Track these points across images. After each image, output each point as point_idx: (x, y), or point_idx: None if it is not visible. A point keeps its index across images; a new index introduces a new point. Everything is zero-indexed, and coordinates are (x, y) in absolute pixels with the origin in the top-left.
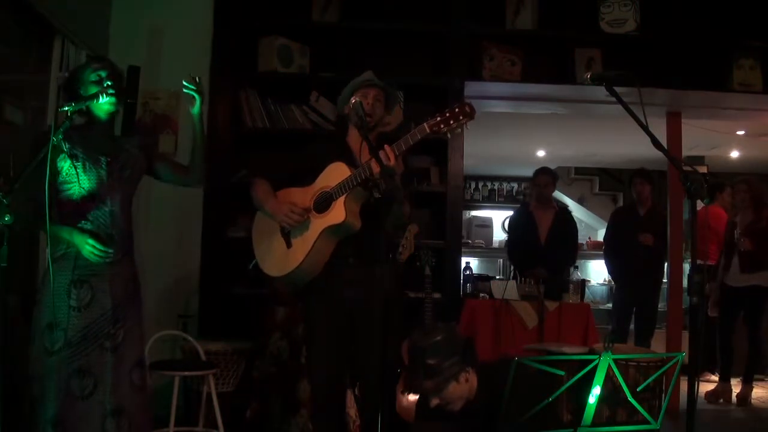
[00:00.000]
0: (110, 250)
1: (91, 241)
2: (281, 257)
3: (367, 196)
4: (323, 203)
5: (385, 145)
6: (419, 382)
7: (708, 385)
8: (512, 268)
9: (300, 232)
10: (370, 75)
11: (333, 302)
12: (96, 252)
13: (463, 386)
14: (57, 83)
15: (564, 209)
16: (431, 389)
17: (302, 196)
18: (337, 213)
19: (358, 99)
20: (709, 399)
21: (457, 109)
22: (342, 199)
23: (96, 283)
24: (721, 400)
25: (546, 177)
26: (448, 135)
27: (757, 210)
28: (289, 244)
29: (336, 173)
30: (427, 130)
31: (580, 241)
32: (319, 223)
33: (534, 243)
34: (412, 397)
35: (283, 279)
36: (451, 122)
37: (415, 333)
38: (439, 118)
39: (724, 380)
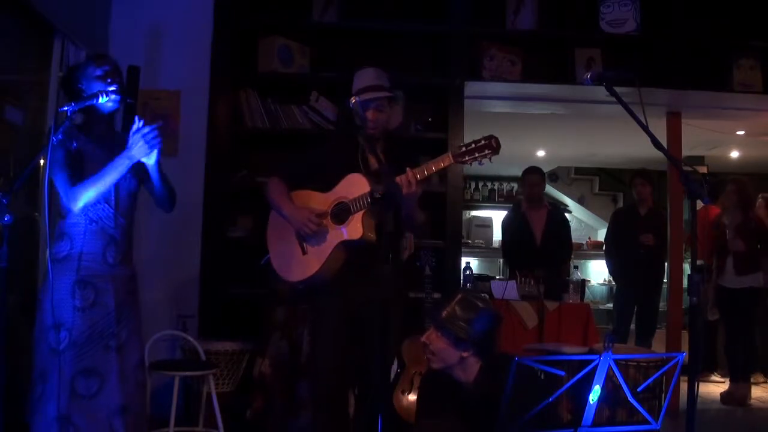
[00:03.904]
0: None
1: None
2: (296, 263)
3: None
4: (340, 214)
5: (408, 170)
6: (437, 307)
7: (708, 385)
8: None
9: (316, 241)
10: (374, 78)
11: (339, 303)
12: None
13: (451, 353)
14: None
15: (555, 207)
16: (434, 320)
17: (320, 201)
18: (355, 228)
19: (358, 100)
20: (724, 400)
21: (483, 142)
22: (360, 214)
23: (99, 284)
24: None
25: (535, 176)
26: (470, 164)
27: (745, 211)
28: (304, 251)
29: (356, 186)
30: (451, 161)
31: (580, 241)
32: (336, 235)
33: (530, 244)
34: (412, 397)
35: (296, 284)
36: (476, 154)
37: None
38: (464, 149)
39: (735, 381)
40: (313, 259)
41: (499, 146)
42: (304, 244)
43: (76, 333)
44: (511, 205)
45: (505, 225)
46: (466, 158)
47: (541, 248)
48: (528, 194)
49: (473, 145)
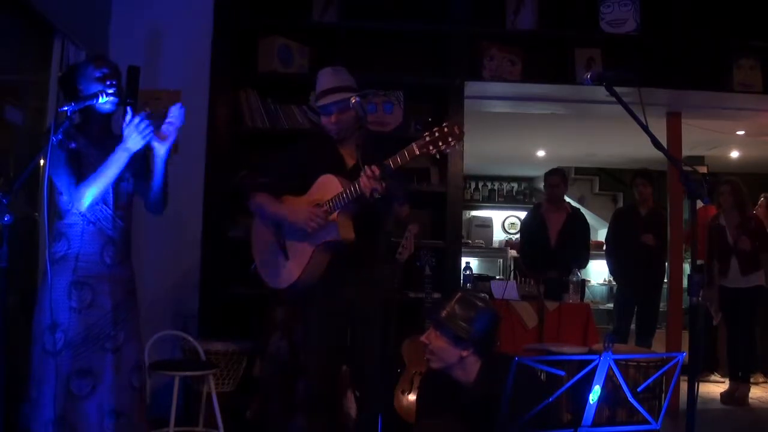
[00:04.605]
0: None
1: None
2: (280, 270)
3: (359, 207)
4: None
5: (366, 167)
6: (436, 306)
7: (708, 385)
8: (512, 268)
9: (297, 245)
10: (330, 81)
11: (330, 302)
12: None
13: (451, 352)
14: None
15: (576, 210)
16: (433, 319)
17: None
18: (330, 230)
19: (358, 99)
20: (724, 400)
21: (446, 129)
22: (334, 215)
23: (96, 285)
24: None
25: (556, 177)
26: (437, 156)
27: (742, 211)
28: (286, 256)
29: (328, 187)
30: (417, 152)
31: None
32: (314, 238)
33: (544, 245)
34: (412, 397)
35: (283, 290)
36: (440, 143)
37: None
38: (428, 139)
39: (735, 381)
40: (296, 264)
41: (462, 133)
42: (287, 251)
43: (72, 334)
44: (532, 206)
45: (524, 225)
46: (431, 148)
47: (555, 249)
48: (548, 195)
49: (437, 134)
